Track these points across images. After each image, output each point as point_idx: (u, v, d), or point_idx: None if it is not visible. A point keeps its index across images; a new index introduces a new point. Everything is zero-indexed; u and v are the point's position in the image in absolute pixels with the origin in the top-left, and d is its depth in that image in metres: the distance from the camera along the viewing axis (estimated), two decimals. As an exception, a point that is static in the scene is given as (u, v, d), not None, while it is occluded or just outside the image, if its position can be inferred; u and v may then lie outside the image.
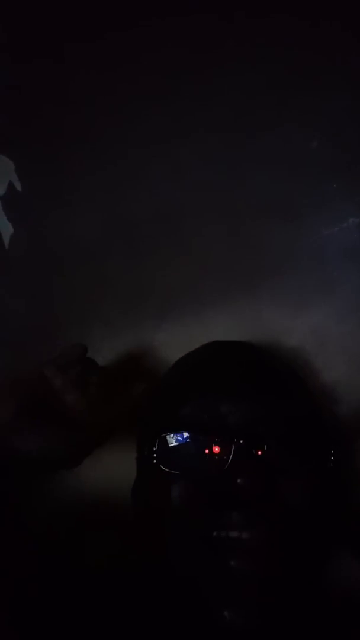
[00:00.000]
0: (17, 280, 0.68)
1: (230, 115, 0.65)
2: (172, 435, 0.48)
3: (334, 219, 0.63)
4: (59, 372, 0.51)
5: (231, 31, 0.64)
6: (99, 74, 0.66)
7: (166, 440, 0.48)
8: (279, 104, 0.64)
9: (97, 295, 0.65)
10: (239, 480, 0.44)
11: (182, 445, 0.48)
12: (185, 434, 0.48)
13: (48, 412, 0.49)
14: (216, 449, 0.46)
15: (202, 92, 0.65)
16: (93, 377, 0.53)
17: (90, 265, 0.66)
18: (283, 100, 0.64)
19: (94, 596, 0.48)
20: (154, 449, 0.48)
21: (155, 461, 0.48)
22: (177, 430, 0.48)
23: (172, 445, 0.48)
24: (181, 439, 0.48)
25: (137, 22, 0.65)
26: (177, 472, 0.47)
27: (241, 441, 0.45)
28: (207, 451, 0.46)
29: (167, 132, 0.66)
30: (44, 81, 0.67)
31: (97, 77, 0.66)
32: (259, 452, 0.46)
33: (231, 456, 0.45)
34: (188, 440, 0.47)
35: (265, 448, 0.46)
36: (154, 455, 0.48)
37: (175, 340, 0.63)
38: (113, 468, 0.61)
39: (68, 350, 0.54)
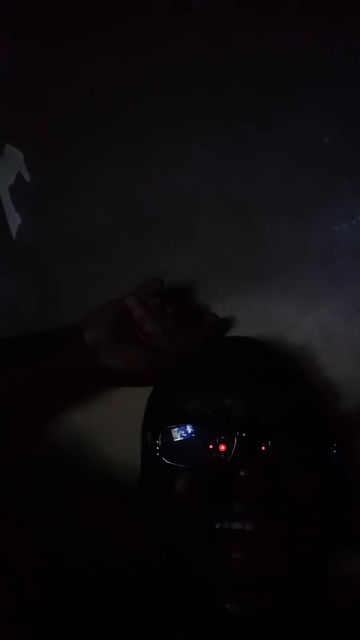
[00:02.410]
0: (22, 270, 0.68)
1: (241, 108, 0.65)
2: (175, 428, 0.48)
3: (343, 216, 0.63)
4: (139, 303, 0.58)
5: (245, 24, 0.64)
6: (108, 63, 0.66)
7: (170, 433, 0.48)
8: (291, 100, 0.64)
9: (103, 288, 0.64)
10: (242, 473, 0.44)
11: (185, 438, 0.48)
12: (189, 428, 0.48)
13: (130, 338, 0.58)
14: (219, 442, 0.46)
15: (214, 85, 0.65)
16: (169, 309, 0.60)
17: (96, 257, 0.66)
18: (296, 96, 0.64)
19: (95, 593, 0.48)
20: (158, 442, 0.48)
21: (158, 454, 0.48)
22: (180, 424, 0.48)
23: (175, 438, 0.48)
24: (184, 432, 0.48)
25: (147, 10, 0.65)
26: (181, 465, 0.47)
27: (244, 434, 0.45)
28: (210, 444, 0.47)
29: (178, 126, 0.66)
30: (52, 70, 0.67)
31: (106, 67, 0.66)
32: (262, 445, 0.46)
33: (234, 449, 0.45)
34: (191, 433, 0.48)
35: (268, 440, 0.46)
36: (158, 448, 0.48)
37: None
38: (116, 462, 0.61)
39: (147, 284, 0.60)
